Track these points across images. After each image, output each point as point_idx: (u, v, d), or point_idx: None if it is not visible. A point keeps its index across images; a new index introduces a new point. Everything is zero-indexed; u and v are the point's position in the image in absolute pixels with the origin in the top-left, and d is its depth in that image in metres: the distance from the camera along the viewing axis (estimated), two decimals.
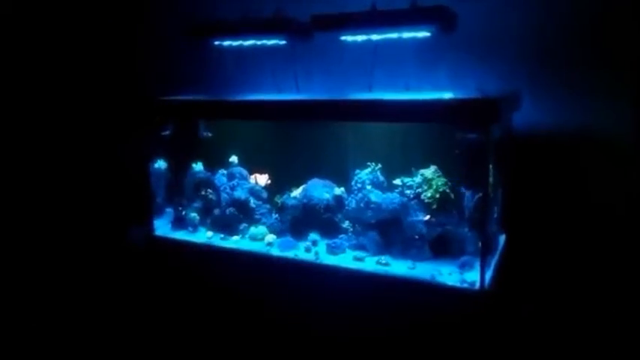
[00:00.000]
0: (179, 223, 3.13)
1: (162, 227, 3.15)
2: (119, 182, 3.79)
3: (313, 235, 2.78)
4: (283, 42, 3.10)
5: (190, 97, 3.05)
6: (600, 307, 2.66)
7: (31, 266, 3.48)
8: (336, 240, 2.71)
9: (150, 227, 3.11)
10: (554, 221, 2.74)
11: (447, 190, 2.52)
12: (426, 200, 2.53)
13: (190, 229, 3.08)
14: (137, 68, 3.88)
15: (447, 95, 2.51)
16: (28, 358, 2.72)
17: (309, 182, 2.95)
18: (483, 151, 2.26)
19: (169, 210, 3.24)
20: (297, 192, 2.94)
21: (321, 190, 2.87)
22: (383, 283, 2.44)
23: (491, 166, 2.31)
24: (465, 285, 2.28)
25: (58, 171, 3.79)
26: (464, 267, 2.41)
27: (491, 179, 2.34)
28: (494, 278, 2.36)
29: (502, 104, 2.16)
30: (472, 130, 2.34)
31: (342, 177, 2.89)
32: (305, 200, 2.84)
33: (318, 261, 2.62)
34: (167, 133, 3.24)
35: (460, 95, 2.46)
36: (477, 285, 2.25)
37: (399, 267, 2.48)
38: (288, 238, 2.82)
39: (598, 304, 2.67)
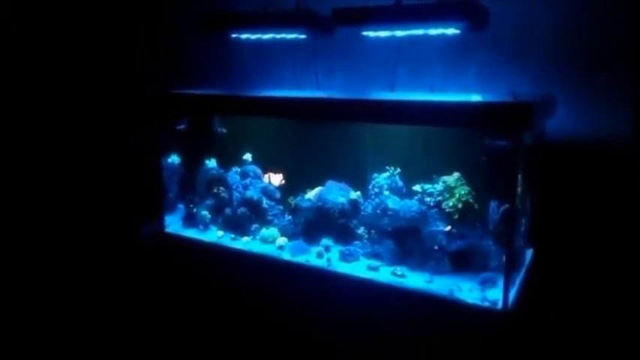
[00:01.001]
0: (190, 220, 3.06)
1: (174, 224, 3.08)
2: (132, 177, 3.73)
3: (326, 241, 2.67)
4: (304, 36, 2.98)
5: (205, 92, 2.96)
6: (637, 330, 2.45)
7: (39, 263, 3.44)
8: (350, 247, 2.59)
9: (161, 224, 3.05)
10: (586, 235, 2.53)
11: (471, 200, 2.35)
12: (447, 210, 2.37)
13: (201, 227, 3.01)
14: (153, 62, 3.82)
15: (475, 98, 2.34)
16: (35, 354, 2.67)
17: (326, 184, 2.83)
18: (513, 160, 2.08)
19: (182, 206, 3.16)
20: (311, 194, 2.82)
21: (336, 193, 2.75)
22: (397, 296, 2.30)
23: (520, 176, 2.13)
24: (487, 304, 2.12)
25: (70, 166, 3.76)
26: (486, 283, 2.25)
27: (519, 190, 2.17)
28: (518, 297, 2.19)
29: (536, 109, 1.98)
30: (502, 136, 2.17)
31: (358, 180, 2.76)
32: (319, 203, 2.72)
33: (330, 268, 2.50)
34: (181, 127, 3.17)
35: (489, 98, 2.29)
36: (500, 304, 2.09)
37: (415, 279, 2.34)
38: (300, 242, 2.71)
39: (634, 326, 2.45)
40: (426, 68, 2.82)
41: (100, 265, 3.46)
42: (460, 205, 2.33)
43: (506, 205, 2.29)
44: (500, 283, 2.14)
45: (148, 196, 3.21)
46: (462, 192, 2.35)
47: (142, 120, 3.63)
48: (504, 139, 2.18)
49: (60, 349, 2.70)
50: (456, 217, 2.34)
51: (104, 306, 3.09)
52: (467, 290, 2.21)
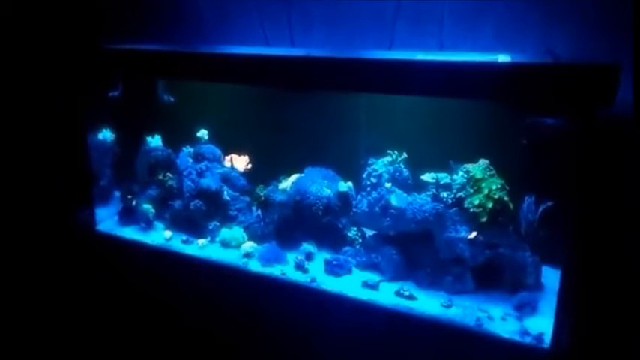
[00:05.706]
0: (128, 216, 2.52)
1: (109, 219, 2.54)
2: (56, 159, 3.02)
3: (307, 246, 2.17)
4: None
5: (145, 47, 2.34)
6: None
7: None
8: (339, 255, 2.09)
9: (89, 220, 2.47)
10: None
11: (505, 198, 1.77)
12: (472, 209, 1.82)
13: (143, 225, 2.47)
14: (82, 9, 3.03)
15: (503, 58, 1.75)
16: None
17: (305, 171, 2.32)
18: (568, 146, 1.53)
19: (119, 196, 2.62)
20: (287, 183, 2.32)
21: (320, 183, 2.22)
22: (403, 325, 1.80)
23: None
24: (528, 339, 1.61)
25: None
26: (523, 308, 1.75)
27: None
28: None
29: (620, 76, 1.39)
30: (554, 113, 1.60)
31: (350, 167, 2.29)
32: (297, 197, 2.20)
33: (312, 284, 1.98)
34: (115, 94, 2.58)
35: (522, 59, 1.71)
36: (548, 340, 1.59)
37: (428, 302, 1.83)
38: (274, 247, 2.19)
39: None
40: (434, 20, 2.21)
41: (19, 264, 2.78)
42: (490, 205, 1.76)
43: (549, 204, 1.77)
44: (542, 306, 1.70)
45: (73, 184, 2.54)
46: (493, 186, 1.78)
47: (63, 83, 2.88)
48: (555, 117, 1.63)
49: None
50: (484, 219, 1.78)
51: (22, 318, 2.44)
52: (499, 318, 1.72)
